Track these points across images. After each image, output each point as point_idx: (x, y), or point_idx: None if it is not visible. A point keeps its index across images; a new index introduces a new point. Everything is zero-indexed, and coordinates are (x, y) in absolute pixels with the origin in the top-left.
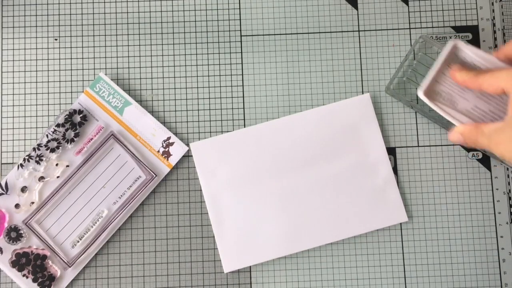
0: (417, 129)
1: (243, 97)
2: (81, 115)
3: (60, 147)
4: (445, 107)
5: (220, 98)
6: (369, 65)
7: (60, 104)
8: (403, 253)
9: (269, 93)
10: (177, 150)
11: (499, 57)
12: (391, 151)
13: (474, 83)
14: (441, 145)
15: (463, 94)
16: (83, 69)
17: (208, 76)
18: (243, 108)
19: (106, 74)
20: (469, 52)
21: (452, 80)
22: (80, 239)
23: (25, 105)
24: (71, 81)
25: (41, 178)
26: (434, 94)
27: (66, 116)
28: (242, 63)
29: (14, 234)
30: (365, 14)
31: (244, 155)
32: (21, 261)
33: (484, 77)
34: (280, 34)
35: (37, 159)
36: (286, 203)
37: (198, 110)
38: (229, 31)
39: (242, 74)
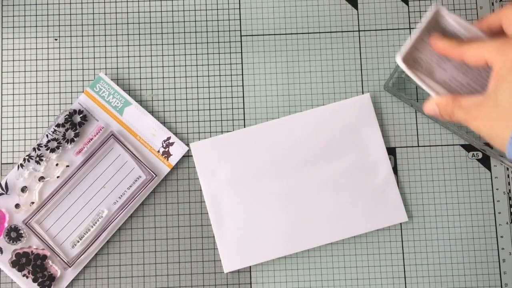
0: (417, 129)
1: (243, 97)
2: (81, 115)
3: (60, 147)
4: (422, 75)
5: (220, 98)
6: (369, 65)
7: (60, 104)
8: (403, 253)
9: (269, 93)
10: (177, 150)
11: (482, 28)
12: (391, 151)
13: (456, 52)
14: (441, 145)
15: (442, 64)
16: (83, 69)
17: (208, 76)
18: (243, 108)
19: (106, 74)
20: (451, 20)
21: (432, 48)
22: (80, 239)
23: (25, 105)
24: (71, 81)
25: (41, 178)
26: (413, 61)
27: (66, 116)
28: (242, 63)
29: (14, 234)
30: (365, 14)
31: (244, 155)
32: (21, 261)
33: (468, 46)
34: (280, 34)
35: (37, 159)
36: (286, 203)
37: (198, 110)
38: (229, 31)
39: (242, 74)
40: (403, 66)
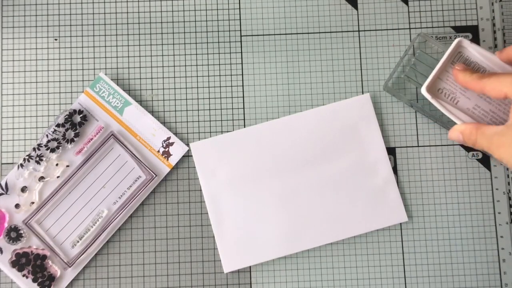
0: (417, 129)
1: (243, 97)
2: (81, 115)
3: (60, 147)
4: (446, 104)
5: (220, 98)
6: (369, 65)
7: (60, 104)
8: (403, 253)
9: (269, 93)
10: (177, 150)
11: (502, 59)
12: (391, 151)
13: (477, 86)
14: (441, 145)
15: (465, 92)
16: (83, 69)
17: (208, 76)
18: (243, 108)
19: (106, 74)
20: (473, 51)
21: (454, 79)
22: (80, 239)
23: (25, 105)
24: (71, 81)
25: (41, 178)
26: (436, 91)
27: (66, 116)
28: (242, 63)
29: (14, 234)
30: (365, 14)
31: (244, 155)
32: (21, 261)
33: (488, 80)
34: (280, 34)
35: (37, 159)
36: (286, 203)
37: (198, 110)
38: (229, 31)
39: (242, 74)
40: (427, 96)
